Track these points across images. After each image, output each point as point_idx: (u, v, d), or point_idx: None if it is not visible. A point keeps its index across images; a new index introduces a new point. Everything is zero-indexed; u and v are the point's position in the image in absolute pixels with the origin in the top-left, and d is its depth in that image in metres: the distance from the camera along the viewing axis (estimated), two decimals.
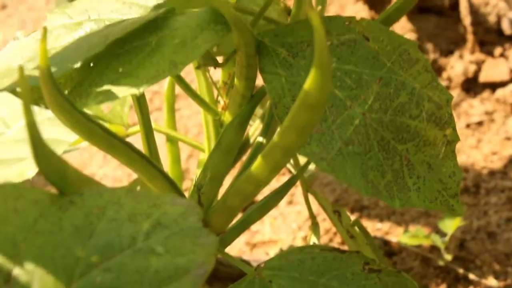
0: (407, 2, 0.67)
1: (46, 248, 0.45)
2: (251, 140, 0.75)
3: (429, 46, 1.26)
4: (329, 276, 0.60)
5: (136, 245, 0.45)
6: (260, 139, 0.70)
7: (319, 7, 0.78)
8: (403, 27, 1.30)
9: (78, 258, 0.44)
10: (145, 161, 0.64)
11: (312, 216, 0.86)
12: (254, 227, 1.13)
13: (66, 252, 0.45)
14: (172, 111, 0.87)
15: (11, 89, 0.57)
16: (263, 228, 1.13)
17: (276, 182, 1.08)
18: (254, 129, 0.76)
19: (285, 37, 0.62)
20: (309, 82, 0.48)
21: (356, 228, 0.76)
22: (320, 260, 0.62)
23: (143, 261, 0.44)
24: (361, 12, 1.36)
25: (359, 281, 0.60)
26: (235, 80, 0.66)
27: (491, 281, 0.99)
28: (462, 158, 1.16)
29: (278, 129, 0.54)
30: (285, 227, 1.12)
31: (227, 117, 0.72)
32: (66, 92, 0.57)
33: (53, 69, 0.55)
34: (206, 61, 0.66)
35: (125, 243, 0.45)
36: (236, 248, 1.10)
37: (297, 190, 1.14)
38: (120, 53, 0.58)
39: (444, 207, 0.61)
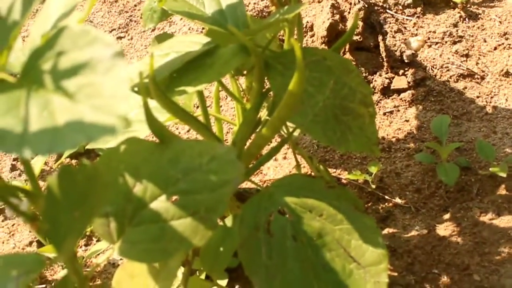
0: (345, 41, 0.69)
1: (154, 171, 0.48)
2: (262, 118, 0.75)
3: (362, 69, 1.26)
4: (306, 189, 0.62)
5: (202, 168, 0.47)
6: (267, 118, 0.72)
7: (299, 43, 0.79)
8: (348, 58, 1.30)
9: (171, 175, 0.47)
10: (205, 128, 0.67)
11: (297, 162, 0.89)
12: (265, 171, 1.15)
13: (165, 172, 0.47)
14: (218, 103, 0.88)
15: (132, 88, 0.59)
16: (269, 172, 1.14)
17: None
18: (264, 113, 0.76)
19: (280, 58, 0.63)
20: (292, 83, 0.51)
21: (321, 167, 0.79)
22: (301, 181, 0.64)
23: (206, 177, 0.46)
24: (325, 47, 1.36)
25: (322, 192, 0.62)
26: (253, 83, 0.68)
27: (397, 200, 1.01)
28: (381, 133, 1.17)
29: (277, 109, 0.56)
30: (282, 171, 1.12)
31: (248, 105, 0.74)
32: (162, 89, 0.59)
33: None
34: (237, 73, 0.68)
35: (196, 167, 0.47)
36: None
37: (289, 151, 1.15)
38: (190, 68, 0.59)
39: (369, 150, 0.63)
